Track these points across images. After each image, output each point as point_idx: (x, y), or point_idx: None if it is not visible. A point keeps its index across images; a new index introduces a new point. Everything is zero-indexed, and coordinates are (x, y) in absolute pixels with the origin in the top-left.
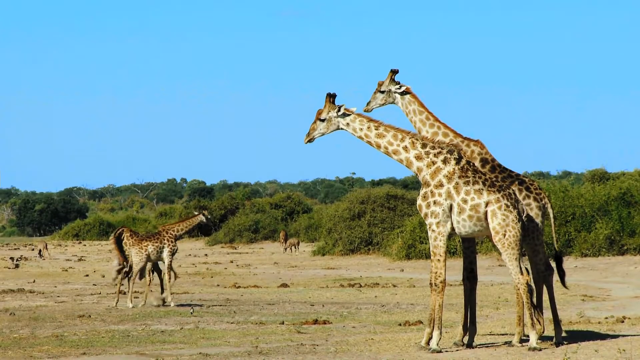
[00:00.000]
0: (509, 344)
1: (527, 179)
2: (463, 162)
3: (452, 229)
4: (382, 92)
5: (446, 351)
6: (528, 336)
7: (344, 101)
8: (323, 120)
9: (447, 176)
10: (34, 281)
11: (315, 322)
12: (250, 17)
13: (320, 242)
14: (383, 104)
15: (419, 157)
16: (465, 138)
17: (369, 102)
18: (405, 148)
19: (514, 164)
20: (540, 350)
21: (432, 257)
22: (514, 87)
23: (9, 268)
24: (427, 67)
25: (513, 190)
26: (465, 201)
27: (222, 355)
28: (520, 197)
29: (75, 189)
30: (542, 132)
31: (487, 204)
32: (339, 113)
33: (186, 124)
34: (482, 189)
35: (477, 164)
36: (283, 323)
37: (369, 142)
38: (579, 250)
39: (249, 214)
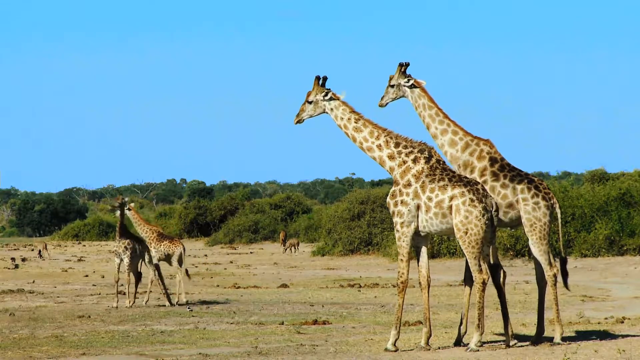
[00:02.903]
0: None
1: (536, 179)
2: (433, 160)
3: (423, 228)
4: (392, 86)
5: (439, 349)
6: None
7: (352, 97)
8: (310, 103)
9: (415, 175)
10: (34, 282)
11: (315, 322)
12: (250, 16)
13: (320, 243)
14: (395, 98)
15: (391, 157)
16: (475, 137)
17: (382, 96)
18: (379, 146)
19: (514, 164)
20: (477, 351)
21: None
22: (514, 88)
23: (9, 268)
24: (430, 67)
25: (482, 185)
26: (430, 199)
27: (222, 356)
28: (529, 196)
29: (75, 189)
30: (542, 133)
31: (451, 199)
32: (326, 97)
33: (186, 124)
34: (447, 185)
35: (486, 162)
36: (283, 323)
37: (346, 134)
38: (578, 250)
39: (249, 215)
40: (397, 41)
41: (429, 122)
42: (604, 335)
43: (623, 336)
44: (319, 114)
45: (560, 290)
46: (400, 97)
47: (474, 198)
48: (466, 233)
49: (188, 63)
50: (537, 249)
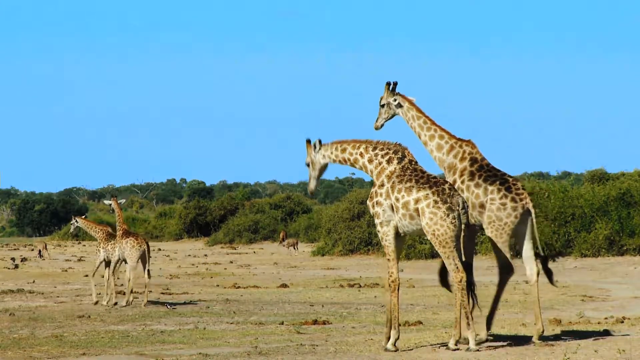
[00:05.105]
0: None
1: (511, 179)
2: (405, 161)
3: (399, 228)
4: (383, 105)
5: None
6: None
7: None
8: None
9: (388, 176)
10: (34, 281)
11: (315, 322)
12: (250, 16)
13: (320, 243)
14: (388, 118)
15: (370, 160)
16: (458, 139)
17: (377, 119)
18: (361, 154)
19: (513, 165)
20: (478, 350)
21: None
22: (512, 87)
23: (9, 268)
24: (428, 67)
25: (450, 185)
26: (397, 199)
27: (222, 356)
28: (497, 197)
29: (75, 189)
30: (542, 133)
31: (416, 202)
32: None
33: (185, 124)
34: (413, 187)
35: (466, 163)
36: (282, 323)
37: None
38: (578, 250)
39: (249, 214)
40: (392, 50)
41: (419, 132)
42: (604, 335)
43: (623, 336)
44: (391, 117)
45: (560, 290)
46: (392, 115)
47: (438, 199)
48: (434, 234)
49: (188, 63)
50: (494, 247)
